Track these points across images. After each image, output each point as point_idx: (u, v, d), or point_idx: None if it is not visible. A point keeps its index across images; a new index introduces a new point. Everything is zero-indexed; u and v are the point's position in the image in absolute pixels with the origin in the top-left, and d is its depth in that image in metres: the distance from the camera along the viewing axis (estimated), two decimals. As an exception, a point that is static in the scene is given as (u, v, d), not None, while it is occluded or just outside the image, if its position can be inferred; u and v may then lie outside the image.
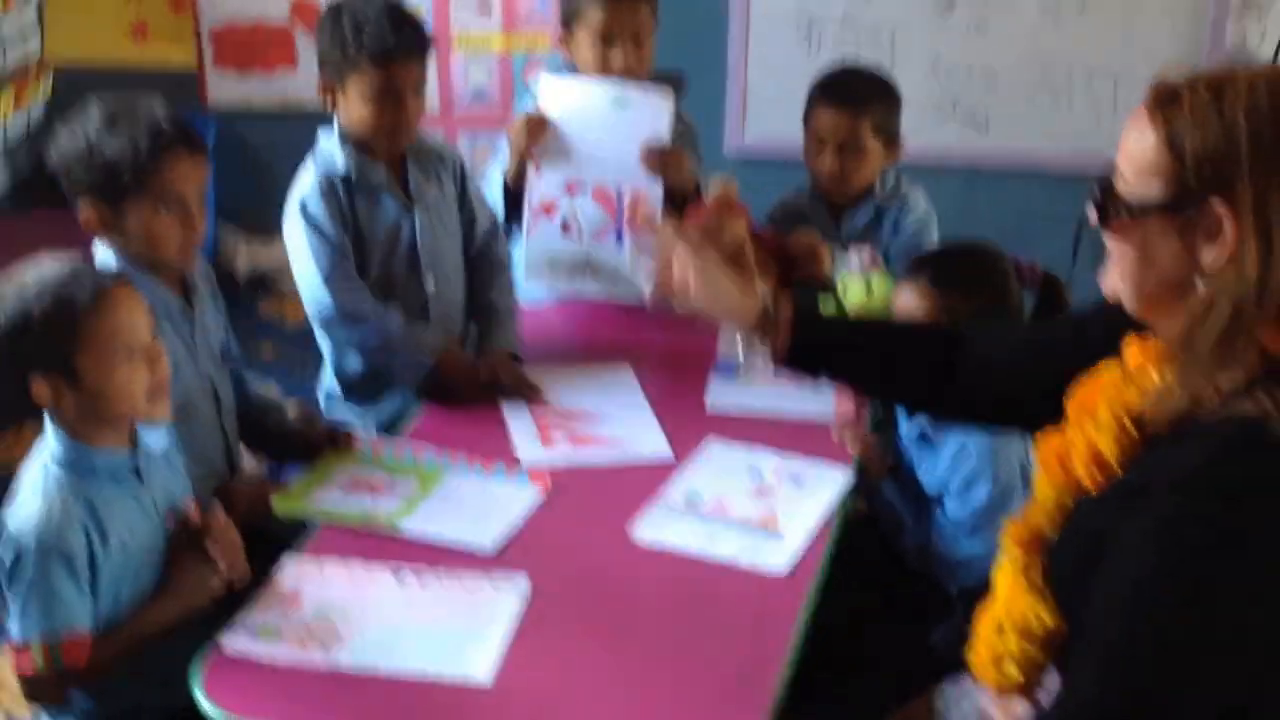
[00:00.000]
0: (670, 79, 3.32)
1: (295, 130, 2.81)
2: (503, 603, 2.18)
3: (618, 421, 2.75)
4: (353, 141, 2.79)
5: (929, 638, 2.50)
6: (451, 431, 2.69)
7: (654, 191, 3.06)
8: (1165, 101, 1.60)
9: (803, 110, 3.23)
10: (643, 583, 2.27)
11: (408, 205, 2.85)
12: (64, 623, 2.09)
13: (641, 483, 2.51)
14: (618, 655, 2.10)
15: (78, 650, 2.10)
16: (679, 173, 3.06)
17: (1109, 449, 1.68)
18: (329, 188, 2.77)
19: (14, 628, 2.12)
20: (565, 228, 3.08)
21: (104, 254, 2.44)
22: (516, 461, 2.58)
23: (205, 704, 1.99)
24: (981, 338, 2.14)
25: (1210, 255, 1.57)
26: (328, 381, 2.94)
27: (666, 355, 3.03)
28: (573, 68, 3.18)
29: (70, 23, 4.41)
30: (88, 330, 2.12)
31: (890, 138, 3.19)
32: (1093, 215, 1.67)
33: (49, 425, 2.17)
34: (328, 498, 2.46)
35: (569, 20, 3.12)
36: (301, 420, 2.69)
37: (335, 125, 2.81)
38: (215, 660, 2.07)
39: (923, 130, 4.02)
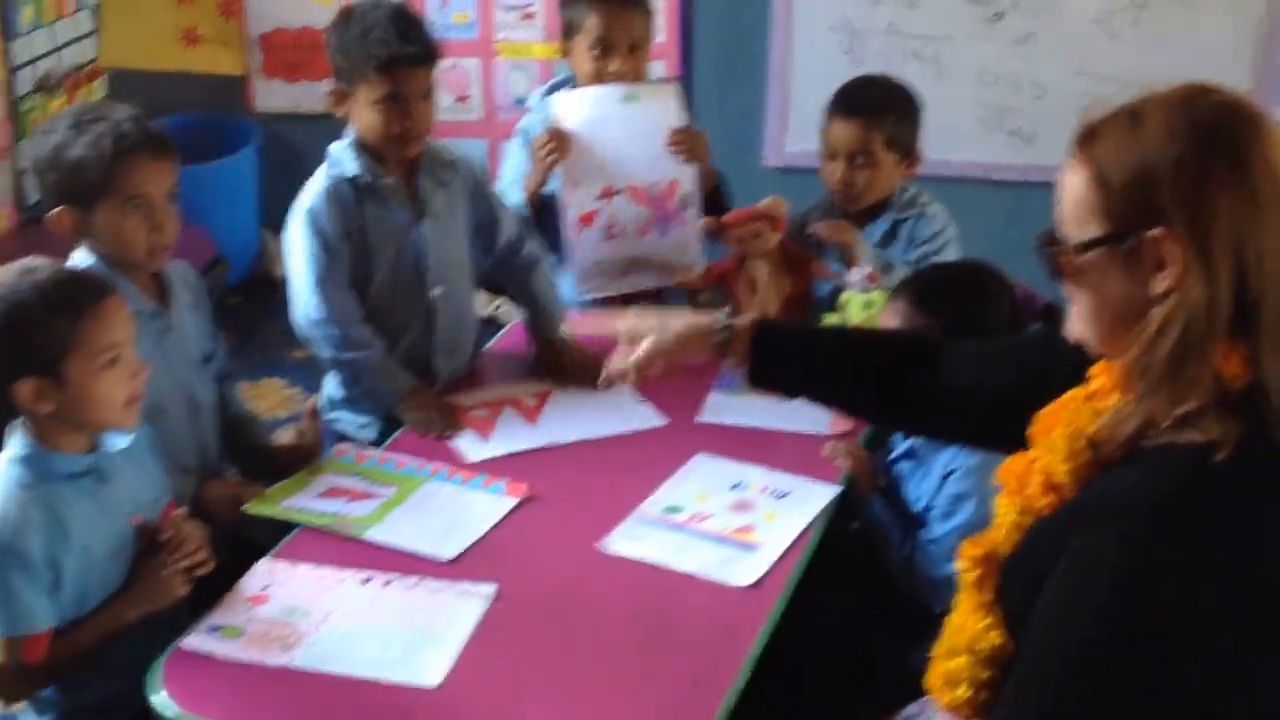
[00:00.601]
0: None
1: (339, 136, 2.88)
2: (465, 609, 2.24)
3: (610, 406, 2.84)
4: (364, 149, 2.86)
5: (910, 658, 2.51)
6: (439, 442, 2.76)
7: (685, 174, 3.18)
8: (1088, 140, 1.61)
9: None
10: (608, 593, 2.32)
11: (416, 214, 2.91)
12: (22, 620, 2.18)
13: (623, 494, 2.55)
14: (570, 662, 2.16)
15: (36, 647, 2.19)
16: (700, 151, 3.17)
17: (1061, 471, 1.70)
18: (337, 194, 2.84)
19: None
20: (610, 232, 3.18)
21: (82, 257, 2.53)
22: (496, 474, 2.62)
23: (156, 699, 2.07)
24: (955, 353, 2.16)
25: (1159, 284, 1.57)
26: (328, 386, 3.02)
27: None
28: (558, 86, 3.28)
29: (124, 28, 4.56)
30: (82, 335, 2.20)
31: (906, 150, 3.21)
32: (1045, 267, 1.69)
33: (14, 428, 2.26)
34: (301, 501, 2.53)
35: (568, 31, 3.22)
36: (286, 436, 2.78)
37: (348, 133, 2.89)
38: (175, 657, 2.15)
39: (969, 143, 4.03)
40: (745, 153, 4.30)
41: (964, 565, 1.90)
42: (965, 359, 2.13)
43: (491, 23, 4.36)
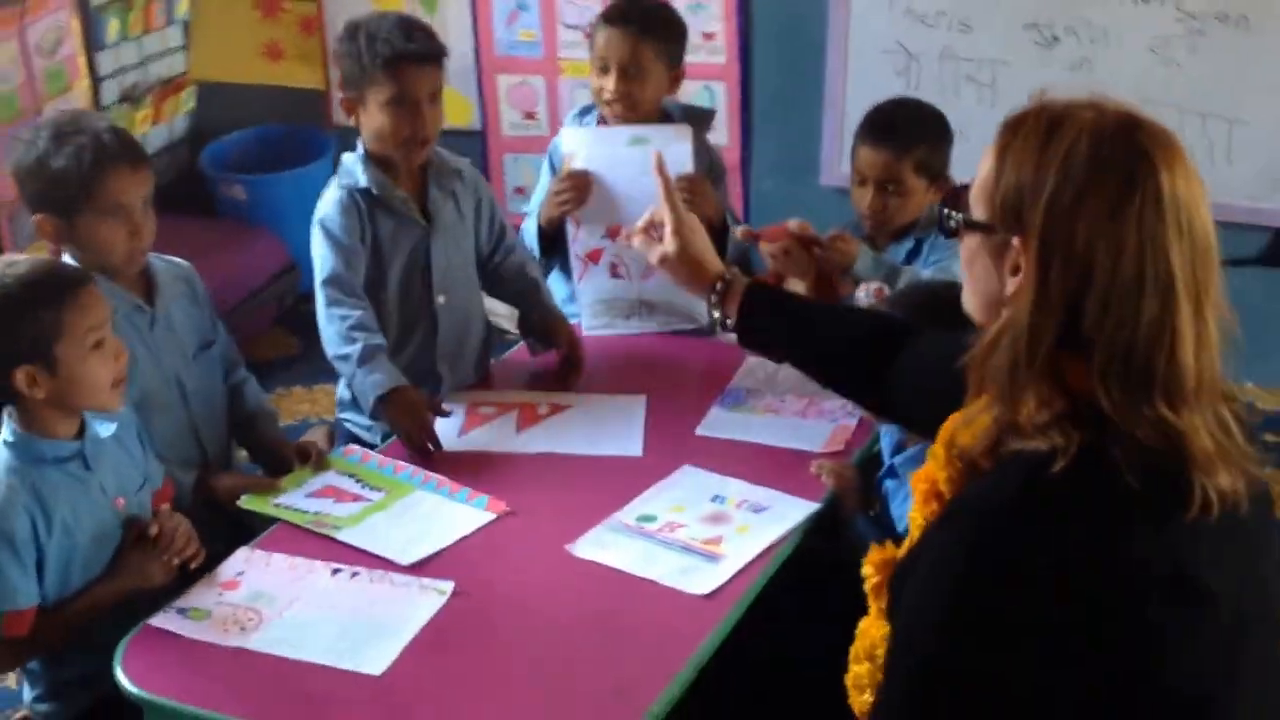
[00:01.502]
0: (699, 114, 3.45)
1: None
2: (421, 603, 2.34)
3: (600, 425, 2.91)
4: (375, 161, 2.98)
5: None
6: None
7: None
8: (1010, 130, 1.67)
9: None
10: (564, 595, 2.40)
11: (425, 225, 3.02)
12: (6, 598, 2.33)
13: (603, 504, 2.61)
14: (507, 659, 2.25)
15: (20, 622, 2.34)
16: (705, 202, 3.19)
17: (941, 479, 1.76)
18: (351, 203, 2.97)
19: None
20: (615, 271, 3.27)
21: (65, 260, 2.69)
22: (482, 487, 2.68)
23: (119, 675, 2.20)
24: (921, 343, 2.22)
25: (1009, 286, 1.64)
26: (340, 388, 3.14)
27: (682, 383, 3.12)
28: (591, 107, 3.41)
29: (213, 43, 4.77)
30: (68, 321, 2.36)
31: (935, 175, 3.22)
32: (940, 224, 1.77)
33: (4, 416, 2.41)
34: (290, 499, 2.65)
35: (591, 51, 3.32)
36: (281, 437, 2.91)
37: (358, 146, 3.01)
38: (141, 635, 2.28)
39: (1024, 169, 4.03)
40: (804, 173, 4.36)
41: (868, 572, 1.97)
42: (928, 349, 2.18)
43: (556, 41, 4.47)
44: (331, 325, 2.94)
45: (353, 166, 2.99)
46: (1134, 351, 1.54)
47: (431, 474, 2.72)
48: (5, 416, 2.42)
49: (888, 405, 2.30)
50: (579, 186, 3.21)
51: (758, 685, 2.62)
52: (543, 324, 3.13)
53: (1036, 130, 1.62)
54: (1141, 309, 1.53)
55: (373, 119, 2.94)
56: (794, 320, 2.33)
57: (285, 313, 4.64)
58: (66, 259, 2.68)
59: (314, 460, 2.77)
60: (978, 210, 1.68)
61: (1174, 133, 1.60)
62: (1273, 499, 1.73)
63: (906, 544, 1.81)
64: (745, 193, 4.52)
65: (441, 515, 2.60)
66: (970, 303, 1.75)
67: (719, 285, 2.34)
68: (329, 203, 2.98)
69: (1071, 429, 1.56)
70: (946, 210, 1.76)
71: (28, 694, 2.57)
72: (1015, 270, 1.62)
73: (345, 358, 2.91)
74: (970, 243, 1.71)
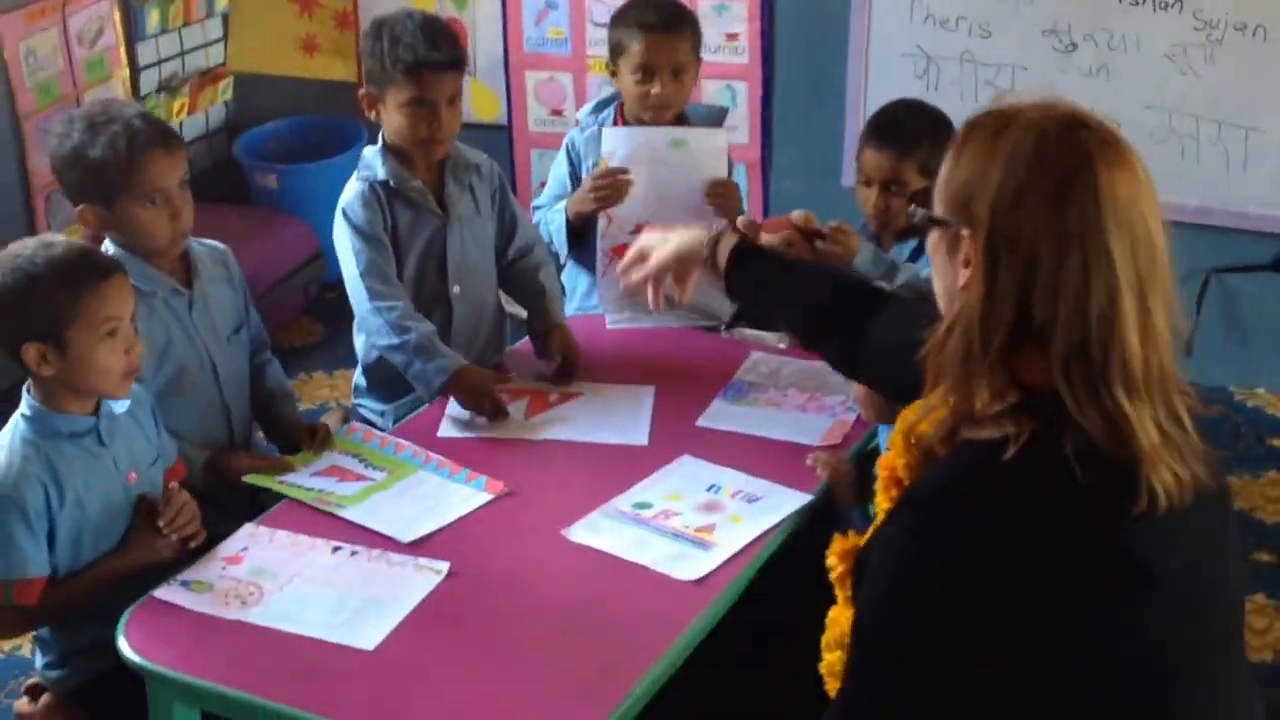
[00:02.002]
0: (715, 112, 3.50)
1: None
2: (417, 582, 2.39)
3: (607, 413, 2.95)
4: (393, 153, 3.03)
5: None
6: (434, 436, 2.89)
7: (719, 222, 3.23)
8: (967, 128, 1.71)
9: (857, 146, 3.33)
10: (557, 577, 2.45)
11: (441, 217, 3.07)
12: (16, 566, 2.40)
13: (601, 491, 2.65)
14: (497, 637, 2.30)
15: (29, 591, 2.41)
16: (734, 205, 3.28)
17: (900, 466, 1.80)
18: (371, 195, 3.03)
19: None
20: None
21: (107, 247, 2.75)
22: (481, 469, 2.73)
23: (122, 644, 2.26)
24: (894, 312, 2.28)
25: (960, 279, 1.68)
26: (356, 375, 3.20)
27: (690, 376, 3.15)
28: (606, 102, 3.43)
29: (251, 37, 4.84)
30: (85, 307, 2.42)
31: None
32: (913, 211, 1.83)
33: (25, 390, 2.48)
34: (296, 476, 2.71)
35: (614, 53, 3.34)
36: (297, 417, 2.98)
37: (379, 139, 3.06)
38: (145, 606, 2.34)
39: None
40: (824, 174, 4.38)
41: (832, 563, 2.01)
42: (900, 319, 2.22)
43: (584, 39, 4.51)
44: (379, 317, 2.99)
45: (372, 159, 3.05)
46: (1089, 342, 1.57)
47: (433, 455, 2.77)
48: (24, 391, 2.48)
49: (858, 368, 2.39)
50: (618, 185, 3.25)
51: (744, 672, 2.66)
52: (542, 332, 3.18)
53: (987, 129, 1.66)
54: (1090, 301, 1.57)
55: (392, 117, 3.00)
56: (777, 275, 2.43)
57: (311, 300, 4.70)
58: (110, 246, 2.75)
59: (320, 437, 2.82)
60: (937, 206, 1.72)
61: (1121, 135, 1.63)
62: (1229, 493, 1.76)
63: (870, 531, 1.84)
64: (765, 192, 4.54)
65: (441, 495, 2.65)
66: (936, 295, 1.79)
67: (708, 251, 2.45)
68: (351, 195, 3.04)
69: (1024, 419, 1.60)
70: (913, 205, 1.82)
71: (39, 660, 2.64)
72: (967, 263, 1.66)
73: (399, 347, 2.97)
74: (933, 237, 1.75)
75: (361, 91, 3.07)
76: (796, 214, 3.06)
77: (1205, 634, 1.66)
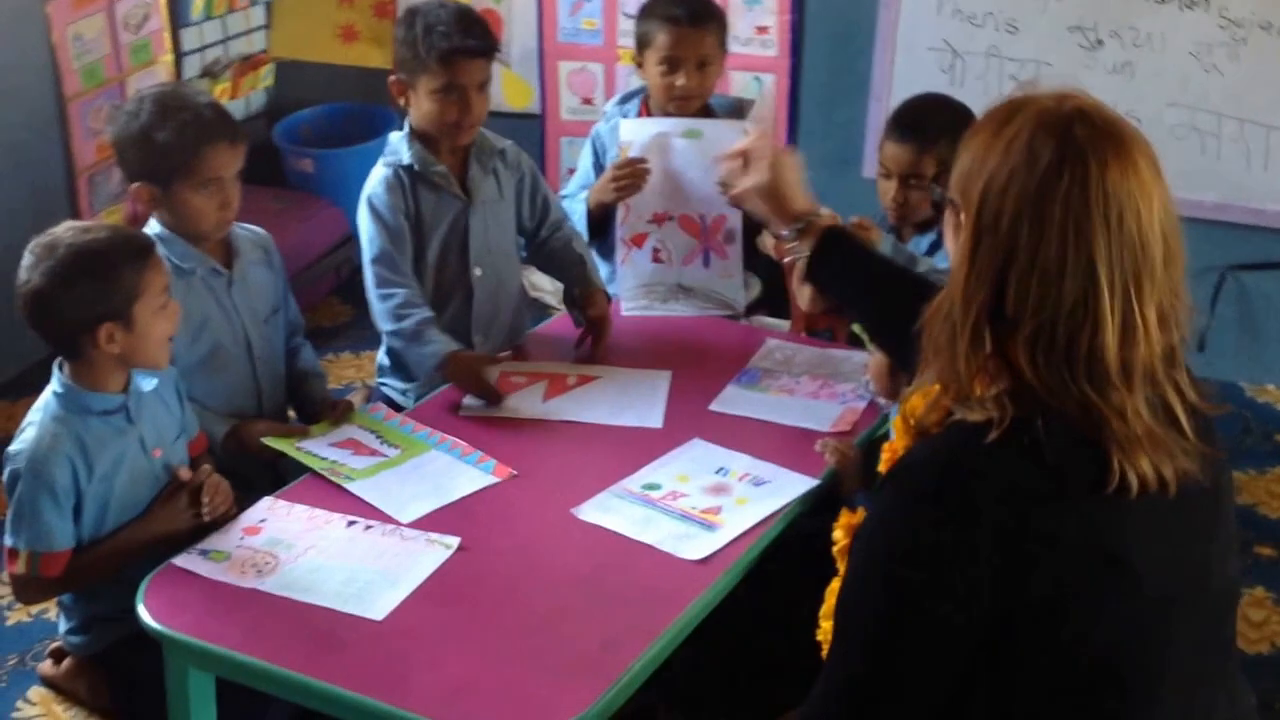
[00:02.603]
0: (740, 104, 3.52)
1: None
2: (427, 556, 2.43)
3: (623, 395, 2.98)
4: (418, 138, 3.07)
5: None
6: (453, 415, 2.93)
7: (733, 213, 3.30)
8: (983, 116, 1.74)
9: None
10: (563, 555, 2.48)
11: (464, 200, 3.11)
12: (43, 539, 2.46)
13: (612, 472, 2.68)
14: (502, 612, 2.33)
15: (55, 563, 2.48)
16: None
17: (901, 448, 1.83)
18: (395, 180, 3.08)
19: (6, 535, 2.50)
20: (656, 255, 3.35)
21: (151, 226, 2.83)
22: (492, 452, 2.75)
23: (140, 610, 2.31)
24: None
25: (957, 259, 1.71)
26: (380, 355, 3.24)
27: (706, 362, 3.17)
28: (632, 95, 3.48)
29: (292, 24, 4.90)
30: (147, 280, 2.50)
31: (959, 171, 3.25)
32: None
33: (55, 368, 2.54)
34: (313, 445, 2.75)
35: (640, 45, 3.37)
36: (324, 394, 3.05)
37: (405, 124, 3.10)
38: (164, 573, 2.39)
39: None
40: (847, 165, 4.39)
41: (837, 536, 2.05)
42: None
43: (616, 30, 4.54)
44: (382, 303, 3.05)
45: (398, 144, 3.09)
46: (1057, 329, 1.59)
47: (447, 436, 2.80)
48: (55, 368, 2.54)
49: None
50: (637, 174, 3.27)
51: (748, 651, 2.69)
52: (582, 296, 3.20)
53: (996, 117, 1.69)
54: (1063, 291, 1.58)
55: (422, 103, 3.04)
56: (859, 269, 2.43)
57: (342, 282, 4.75)
58: (154, 226, 2.81)
59: (340, 410, 2.88)
60: (950, 188, 1.75)
61: (1129, 132, 1.64)
62: (1226, 493, 1.76)
63: None
64: (793, 182, 4.55)
65: (448, 475, 2.68)
66: None
67: (801, 221, 2.44)
68: (376, 181, 3.09)
69: (1009, 403, 1.62)
70: (935, 185, 1.84)
71: (62, 625, 2.70)
72: None
73: (397, 334, 3.04)
74: (946, 218, 1.78)
75: (392, 78, 3.10)
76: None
77: (1186, 629, 1.67)
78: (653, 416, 2.91)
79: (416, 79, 3.04)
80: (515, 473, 2.69)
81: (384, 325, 3.07)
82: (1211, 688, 1.74)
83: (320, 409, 2.97)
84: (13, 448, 2.52)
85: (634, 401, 2.97)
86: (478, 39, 3.03)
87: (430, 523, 2.53)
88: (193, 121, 2.74)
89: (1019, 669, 1.61)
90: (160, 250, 2.62)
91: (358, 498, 2.59)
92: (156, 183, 2.76)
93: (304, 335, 3.16)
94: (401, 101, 3.11)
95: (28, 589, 2.55)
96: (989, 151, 1.66)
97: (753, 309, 3.48)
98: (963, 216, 1.68)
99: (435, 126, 3.05)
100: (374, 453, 2.75)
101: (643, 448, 2.78)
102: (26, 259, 2.49)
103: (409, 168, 3.07)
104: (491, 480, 2.67)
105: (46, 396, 2.54)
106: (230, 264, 2.89)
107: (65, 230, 2.53)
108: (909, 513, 1.64)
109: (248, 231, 2.99)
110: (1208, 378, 1.81)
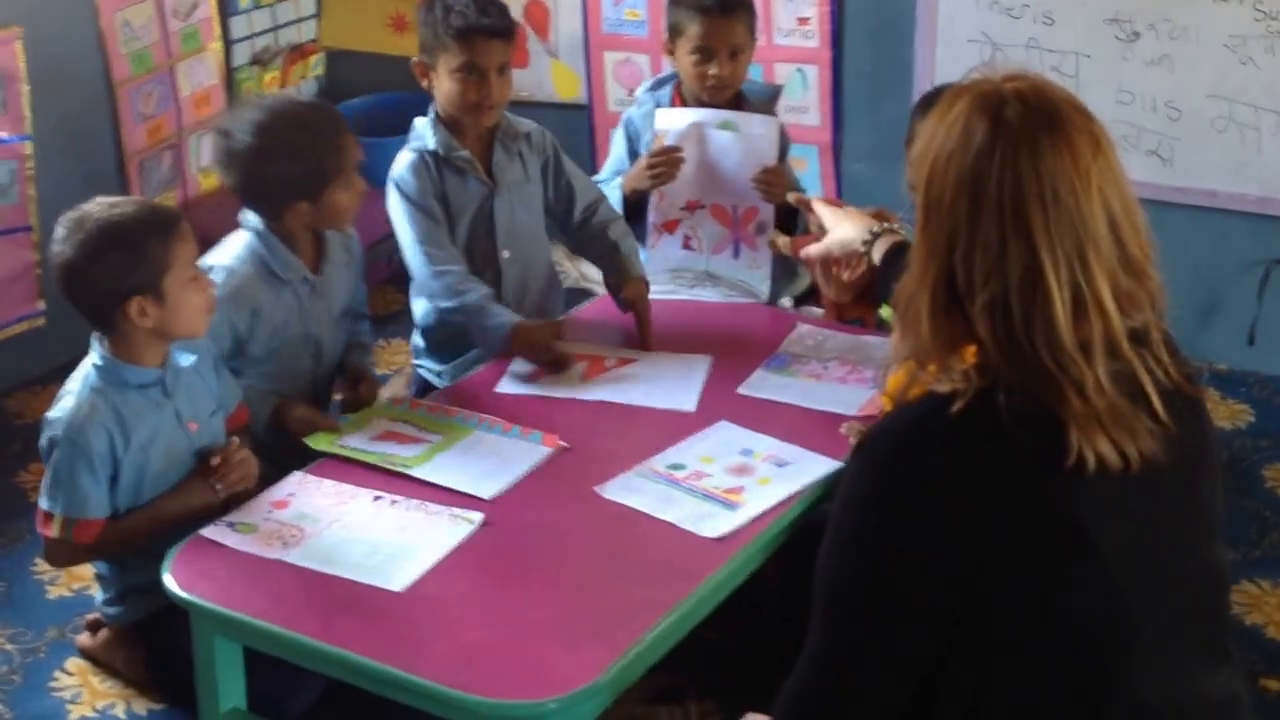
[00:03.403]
0: (769, 90, 3.52)
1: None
2: (451, 530, 2.44)
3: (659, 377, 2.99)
4: (443, 123, 3.09)
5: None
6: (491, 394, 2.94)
7: (765, 206, 3.30)
8: (941, 98, 1.75)
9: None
10: (585, 531, 2.50)
11: (490, 184, 3.13)
12: (77, 506, 2.50)
13: (639, 451, 2.68)
14: (521, 585, 2.35)
15: (88, 530, 2.52)
16: (781, 190, 3.30)
17: None
18: (421, 164, 3.11)
19: (42, 499, 2.53)
20: (687, 243, 3.36)
21: (251, 223, 2.89)
22: (532, 424, 2.77)
23: (167, 579, 2.33)
24: None
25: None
26: (414, 336, 3.26)
27: (738, 346, 3.16)
28: (664, 80, 3.48)
29: (343, 13, 4.92)
30: (175, 253, 2.53)
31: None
32: None
33: (94, 341, 2.57)
34: (356, 440, 2.73)
35: (672, 33, 3.37)
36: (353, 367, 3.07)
37: (430, 110, 3.13)
38: (192, 543, 2.42)
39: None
40: (894, 158, 4.33)
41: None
42: None
43: (660, 21, 4.52)
44: (438, 280, 3.07)
45: (423, 130, 3.13)
46: (1010, 300, 1.60)
47: (485, 416, 2.80)
48: (94, 341, 2.57)
49: None
50: (672, 163, 3.28)
51: (779, 636, 2.68)
52: (618, 285, 3.21)
53: (946, 97, 1.72)
54: (1007, 266, 1.59)
55: (443, 84, 3.07)
56: None
57: (395, 271, 4.76)
58: (247, 229, 2.87)
59: (365, 385, 2.95)
60: (908, 168, 1.79)
61: (1068, 111, 1.64)
62: (1200, 471, 1.73)
63: None
64: (837, 174, 4.53)
65: (503, 450, 2.68)
66: None
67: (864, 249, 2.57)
68: (402, 165, 3.12)
69: (975, 375, 1.63)
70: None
71: (99, 597, 2.74)
72: None
73: (459, 309, 3.05)
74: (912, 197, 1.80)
75: (415, 60, 3.14)
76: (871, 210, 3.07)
77: (1156, 607, 1.65)
78: (687, 400, 2.91)
79: (437, 59, 3.08)
80: (565, 444, 2.69)
81: (444, 302, 3.07)
82: (1197, 672, 1.72)
83: (349, 375, 3.03)
84: (51, 414, 2.56)
85: (670, 385, 2.97)
86: (494, 19, 3.07)
87: (458, 498, 2.53)
88: (323, 124, 2.90)
89: (988, 637, 1.61)
90: (260, 260, 2.78)
91: (384, 473, 2.60)
92: (308, 197, 2.83)
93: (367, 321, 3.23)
94: (424, 84, 3.13)
95: (59, 553, 2.59)
96: (934, 133, 1.69)
97: (801, 300, 3.48)
98: (917, 196, 1.69)
99: (457, 108, 3.08)
100: (418, 440, 2.73)
101: (674, 430, 2.78)
102: (58, 232, 2.54)
103: (434, 153, 3.10)
104: (545, 450, 2.67)
105: (85, 368, 2.58)
106: (319, 267, 2.94)
107: (94, 205, 2.57)
108: (872, 481, 1.66)
109: (334, 234, 3.03)
110: (1257, 371, 1.80)
